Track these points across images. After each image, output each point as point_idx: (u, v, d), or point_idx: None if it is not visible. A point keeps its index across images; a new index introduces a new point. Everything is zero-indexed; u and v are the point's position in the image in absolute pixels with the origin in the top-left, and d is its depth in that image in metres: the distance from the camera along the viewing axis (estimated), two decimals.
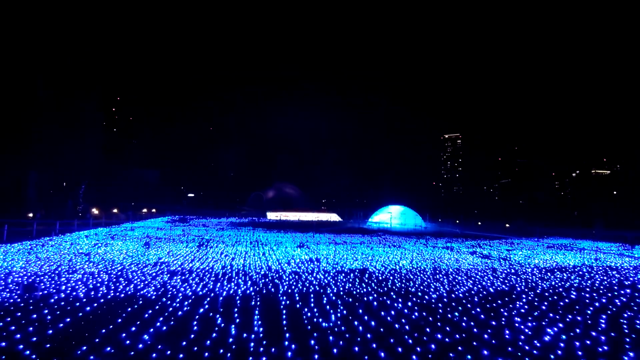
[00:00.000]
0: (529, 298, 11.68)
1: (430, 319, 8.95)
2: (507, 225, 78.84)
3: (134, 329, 7.53)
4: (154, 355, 6.30)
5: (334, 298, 10.90)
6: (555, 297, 11.89)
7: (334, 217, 75.74)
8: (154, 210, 68.73)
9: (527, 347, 7.17)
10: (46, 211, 40.29)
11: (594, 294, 12.58)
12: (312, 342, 7.10)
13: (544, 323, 8.82)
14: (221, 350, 6.61)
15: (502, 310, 9.97)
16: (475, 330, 8.15)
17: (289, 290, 11.77)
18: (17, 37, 34.89)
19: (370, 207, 79.42)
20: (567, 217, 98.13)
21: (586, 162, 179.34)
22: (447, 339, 7.48)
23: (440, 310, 9.74)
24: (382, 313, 9.35)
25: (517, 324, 8.64)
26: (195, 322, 8.08)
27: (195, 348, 6.67)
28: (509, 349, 7.10)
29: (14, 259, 16.10)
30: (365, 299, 10.95)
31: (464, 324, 8.57)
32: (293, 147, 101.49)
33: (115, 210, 54.85)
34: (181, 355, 6.34)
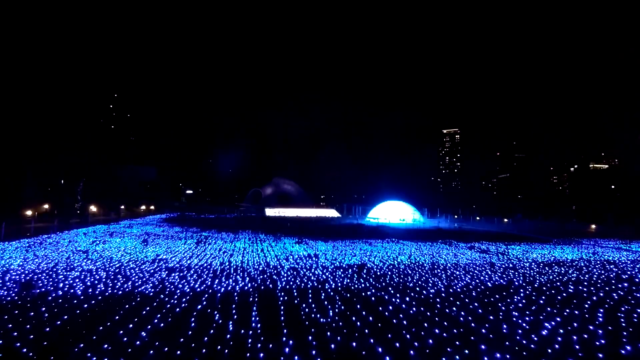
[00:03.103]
0: None
1: None
2: (505, 220, 79.11)
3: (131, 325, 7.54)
4: (151, 352, 6.31)
5: None
6: None
7: (332, 212, 75.74)
8: (152, 207, 68.62)
9: None
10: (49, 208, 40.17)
11: None
12: None
13: None
14: None
15: None
16: None
17: None
18: (15, 36, 34.60)
19: (369, 203, 79.47)
20: (565, 211, 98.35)
21: (584, 157, 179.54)
22: None
23: None
24: None
25: None
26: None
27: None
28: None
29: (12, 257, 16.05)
30: None
31: None
32: (291, 143, 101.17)
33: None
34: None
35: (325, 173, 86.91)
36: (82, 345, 6.50)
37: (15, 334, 7.00)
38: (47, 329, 7.32)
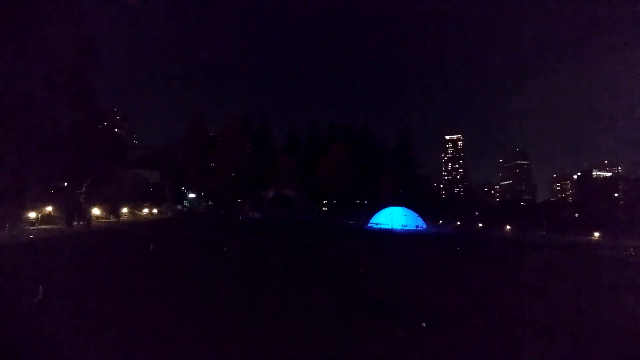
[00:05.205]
0: None
1: None
2: (508, 227, 78.86)
3: None
4: None
5: None
6: None
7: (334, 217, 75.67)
8: (154, 210, 68.70)
9: None
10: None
11: None
12: None
13: None
14: None
15: None
16: None
17: None
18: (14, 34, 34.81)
19: (372, 209, 79.32)
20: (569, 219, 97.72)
21: (587, 164, 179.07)
22: None
23: None
24: None
25: None
26: None
27: None
28: None
29: None
30: None
31: None
32: (293, 146, 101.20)
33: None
34: None
35: (328, 177, 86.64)
36: None
37: None
38: None
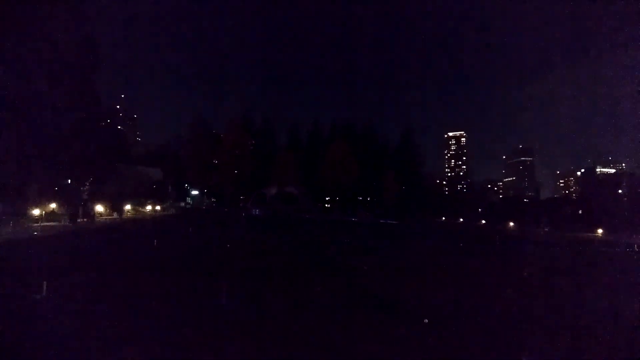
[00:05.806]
0: None
1: None
2: (512, 224, 78.62)
3: None
4: None
5: None
6: None
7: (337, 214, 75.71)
8: (157, 207, 68.93)
9: None
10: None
11: None
12: None
13: None
14: None
15: None
16: None
17: None
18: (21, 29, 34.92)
19: (374, 205, 79.38)
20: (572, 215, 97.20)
21: (591, 161, 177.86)
22: None
23: None
24: None
25: None
26: None
27: None
28: None
29: None
30: None
31: None
32: (296, 144, 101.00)
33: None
34: None
35: (330, 174, 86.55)
36: None
37: None
38: None
